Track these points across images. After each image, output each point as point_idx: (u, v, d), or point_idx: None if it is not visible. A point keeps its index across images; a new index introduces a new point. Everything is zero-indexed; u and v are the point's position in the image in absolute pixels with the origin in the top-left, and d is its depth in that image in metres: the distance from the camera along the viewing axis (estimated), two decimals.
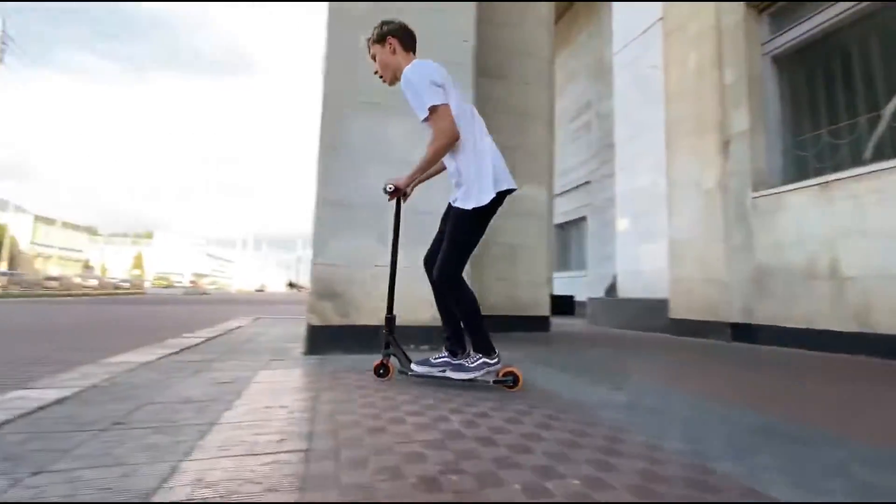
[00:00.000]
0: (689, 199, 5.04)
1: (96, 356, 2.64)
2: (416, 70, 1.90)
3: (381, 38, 2.07)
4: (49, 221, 59.63)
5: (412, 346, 2.99)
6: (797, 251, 3.95)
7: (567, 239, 12.97)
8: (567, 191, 12.44)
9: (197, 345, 3.26)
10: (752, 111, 4.53)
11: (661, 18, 5.99)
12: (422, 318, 3.05)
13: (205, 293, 37.64)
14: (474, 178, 1.92)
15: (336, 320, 2.95)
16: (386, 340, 2.18)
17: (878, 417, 1.76)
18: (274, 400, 1.71)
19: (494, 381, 1.99)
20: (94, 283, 33.13)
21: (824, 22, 4.13)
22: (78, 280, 33.57)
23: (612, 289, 7.39)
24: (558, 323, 6.31)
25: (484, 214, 1.95)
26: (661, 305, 5.39)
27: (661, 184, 5.69)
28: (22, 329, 5.10)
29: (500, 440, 1.28)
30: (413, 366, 2.10)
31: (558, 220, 11.52)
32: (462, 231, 1.96)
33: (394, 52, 2.05)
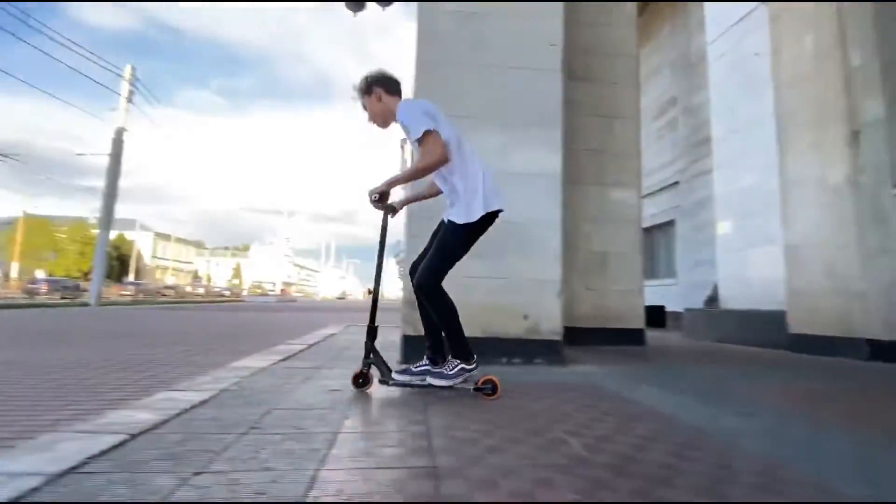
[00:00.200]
0: (810, 198, 4.47)
1: (220, 359, 2.91)
2: (410, 103, 2.13)
3: (367, 89, 2.20)
4: (165, 237, 68.13)
5: (503, 361, 2.94)
6: None
7: (653, 245, 12.16)
8: (651, 193, 11.69)
9: (301, 351, 3.48)
10: (888, 97, 3.92)
11: (763, 1, 5.43)
12: (511, 330, 3.00)
13: (293, 300, 40.57)
14: (465, 197, 2.06)
15: None
16: (367, 350, 2.15)
17: None
18: (385, 411, 1.75)
19: (475, 389, 2.01)
20: (201, 291, 37.20)
21: None
22: (189, 289, 37.91)
23: (712, 299, 6.77)
24: (651, 336, 5.90)
25: (473, 231, 2.08)
26: (774, 318, 4.81)
27: (770, 182, 5.12)
28: (154, 333, 5.81)
29: (633, 470, 1.19)
30: (394, 374, 2.12)
31: (643, 224, 10.84)
32: (449, 243, 2.08)
33: (380, 99, 2.18)
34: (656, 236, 11.76)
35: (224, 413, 1.64)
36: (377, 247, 2.35)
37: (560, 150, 3.13)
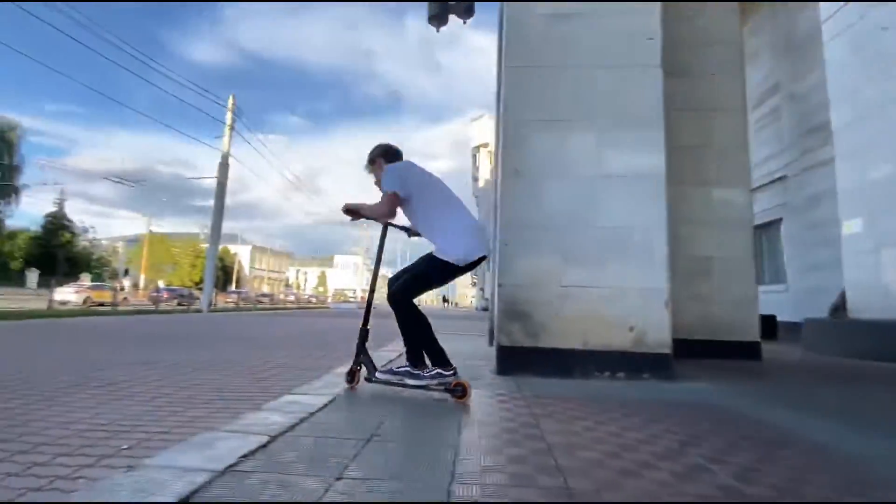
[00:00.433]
0: None
1: (326, 363, 3.09)
2: (393, 166, 2.45)
3: (371, 161, 2.59)
4: (262, 250, 74.71)
5: (606, 375, 2.79)
6: None
7: (756, 247, 10.94)
8: (752, 190, 10.57)
9: (396, 358, 3.58)
10: None
11: None
12: (614, 342, 2.84)
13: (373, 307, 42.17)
14: (439, 237, 2.32)
15: (526, 342, 2.92)
16: (358, 349, 2.35)
17: None
18: (497, 424, 1.72)
19: (446, 389, 2.12)
20: (292, 298, 40.21)
21: None
22: (281, 296, 41.17)
23: (837, 307, 5.93)
24: (763, 349, 5.29)
25: (452, 270, 2.28)
26: None
27: None
28: (261, 337, 6.35)
29: None
30: (377, 373, 2.29)
31: None
32: (427, 270, 2.31)
33: (381, 167, 2.49)
34: (759, 237, 10.59)
35: (344, 418, 1.72)
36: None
37: (663, 148, 2.94)
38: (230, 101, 17.62)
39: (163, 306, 20.97)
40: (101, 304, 18.14)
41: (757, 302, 4.40)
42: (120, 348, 4.32)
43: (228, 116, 17.35)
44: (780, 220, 9.88)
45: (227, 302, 28.00)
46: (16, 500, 1.17)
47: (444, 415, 1.84)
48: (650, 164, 2.94)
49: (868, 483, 1.22)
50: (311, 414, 1.75)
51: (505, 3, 3.44)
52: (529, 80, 3.15)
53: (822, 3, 6.50)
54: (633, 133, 2.99)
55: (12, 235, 39.00)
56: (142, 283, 38.75)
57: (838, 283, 6.00)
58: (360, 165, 2.67)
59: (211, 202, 17.89)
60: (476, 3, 5.65)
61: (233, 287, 45.03)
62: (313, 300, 45.29)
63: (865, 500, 1.10)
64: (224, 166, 17.19)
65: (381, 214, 2.40)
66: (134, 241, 50.75)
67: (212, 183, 17.49)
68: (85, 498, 1.00)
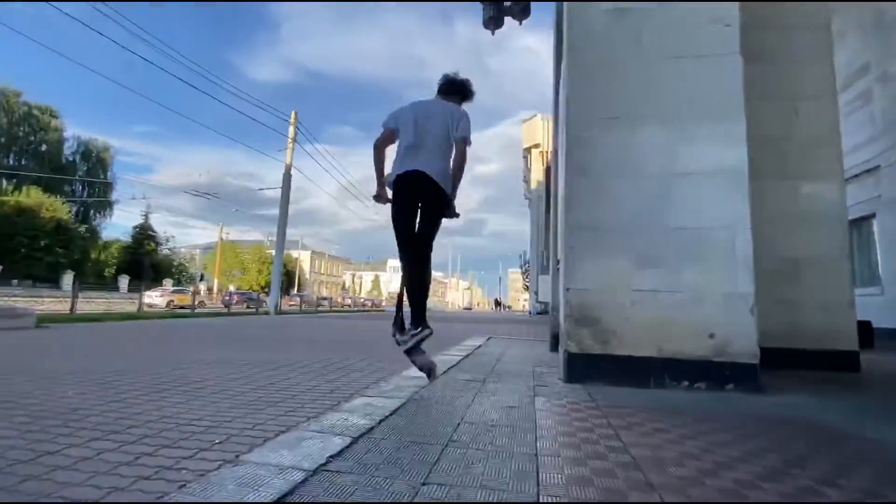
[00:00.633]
0: None
1: (392, 367, 3.15)
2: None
3: None
4: (320, 255, 78.10)
5: (684, 385, 2.62)
6: None
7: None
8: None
9: (458, 363, 3.59)
10: None
11: None
12: (692, 351, 2.66)
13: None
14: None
15: (595, 348, 2.80)
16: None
17: None
18: (574, 434, 1.67)
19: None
20: (349, 301, 41.69)
21: None
22: (339, 299, 42.78)
23: None
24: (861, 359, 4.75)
25: (394, 191, 2.64)
26: None
27: None
28: (326, 339, 6.61)
29: None
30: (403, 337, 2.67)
31: None
32: None
33: None
34: (849, 235, 9.60)
35: (418, 422, 1.74)
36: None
37: (744, 141, 2.72)
38: (292, 116, 18.61)
39: (234, 309, 22.43)
40: (182, 307, 19.75)
41: (853, 307, 3.97)
42: (199, 348, 4.66)
43: (291, 130, 18.32)
44: (873, 215, 8.92)
45: (290, 305, 29.49)
46: (125, 488, 1.28)
47: (518, 422, 1.81)
48: (730, 159, 2.73)
49: None
50: (386, 417, 1.78)
51: (565, 2, 3.36)
52: (594, 78, 3.05)
53: None
54: (710, 126, 2.80)
55: (107, 245, 43.60)
56: (215, 287, 41.74)
57: None
58: None
59: (273, 210, 18.99)
60: (532, 4, 5.59)
61: (295, 290, 47.40)
62: (368, 303, 46.66)
63: None
64: (287, 177, 18.15)
65: (374, 143, 2.78)
66: (208, 249, 54.90)
67: (275, 193, 18.56)
68: (199, 489, 1.08)
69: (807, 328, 3.91)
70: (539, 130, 30.61)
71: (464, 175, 2.71)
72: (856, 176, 8.95)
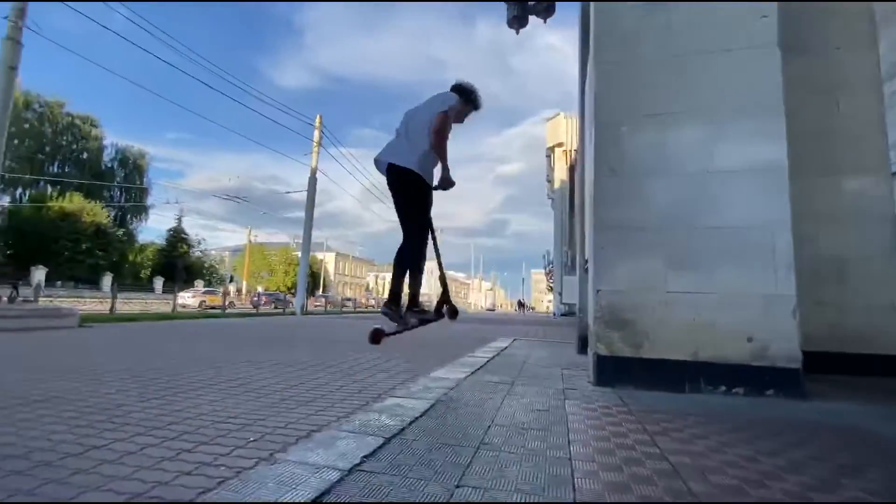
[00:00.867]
0: None
1: (419, 368, 3.16)
2: None
3: None
4: (344, 256, 79.22)
5: (722, 389, 2.53)
6: None
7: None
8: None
9: (485, 364, 3.57)
10: None
11: None
12: (730, 354, 2.56)
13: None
14: None
15: (626, 351, 2.74)
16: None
17: None
18: (608, 439, 1.63)
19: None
20: (373, 302, 42.16)
21: None
22: (363, 300, 43.32)
23: None
24: None
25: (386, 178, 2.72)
26: None
27: None
28: (351, 340, 6.69)
29: None
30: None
31: None
32: None
33: None
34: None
35: (450, 424, 1.73)
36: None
37: (784, 137, 2.62)
38: (317, 119, 18.94)
39: (262, 309, 22.97)
40: (213, 307, 20.36)
41: None
42: (230, 347, 4.78)
43: (316, 134, 18.65)
44: None
45: (315, 305, 30.01)
46: (167, 482, 1.32)
47: (550, 425, 1.78)
48: (769, 156, 2.63)
49: None
50: (416, 418, 1.79)
51: (592, 1, 3.31)
52: (624, 75, 2.99)
53: None
54: (747, 122, 2.70)
55: (143, 248, 45.38)
56: (244, 288, 42.88)
57: None
58: None
59: (299, 213, 19.38)
60: (556, 2, 5.52)
61: (320, 291, 48.23)
62: None
63: None
64: (313, 180, 18.48)
65: None
66: (237, 251, 56.44)
67: (301, 196, 18.92)
68: (239, 486, 1.10)
69: (850, 331, 3.72)
70: (562, 129, 30.15)
71: (446, 139, 2.67)
72: None
